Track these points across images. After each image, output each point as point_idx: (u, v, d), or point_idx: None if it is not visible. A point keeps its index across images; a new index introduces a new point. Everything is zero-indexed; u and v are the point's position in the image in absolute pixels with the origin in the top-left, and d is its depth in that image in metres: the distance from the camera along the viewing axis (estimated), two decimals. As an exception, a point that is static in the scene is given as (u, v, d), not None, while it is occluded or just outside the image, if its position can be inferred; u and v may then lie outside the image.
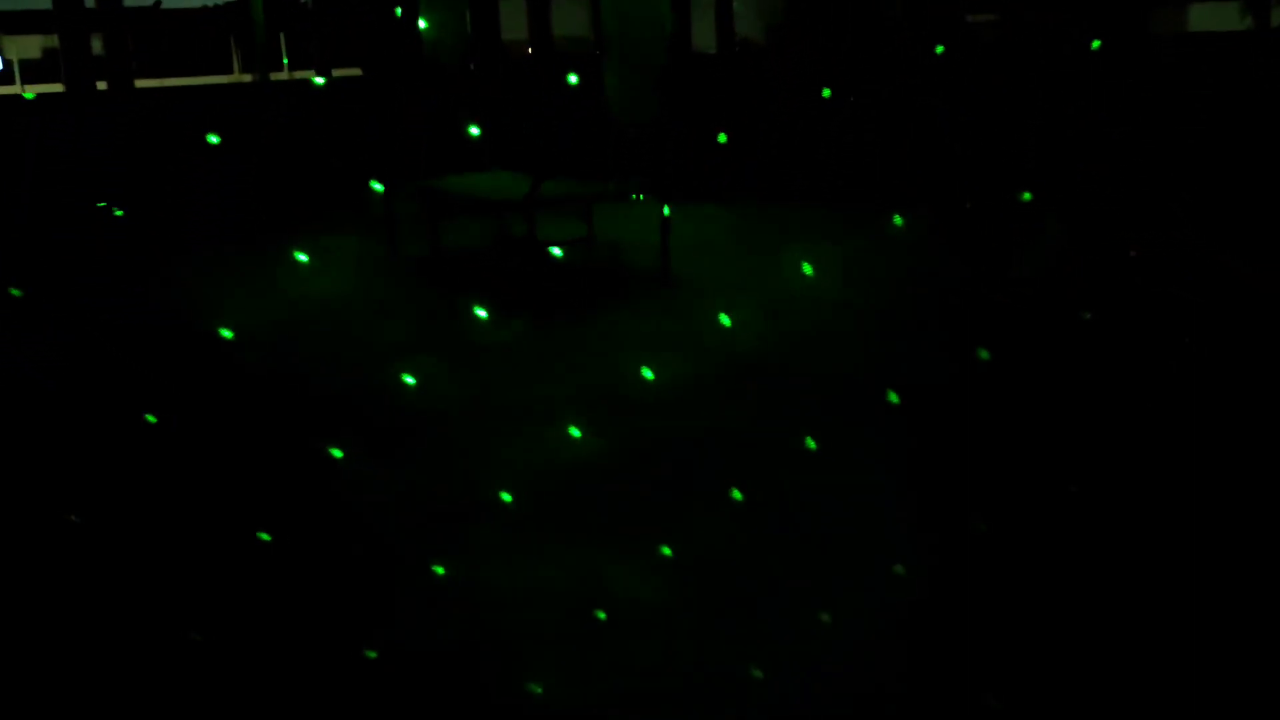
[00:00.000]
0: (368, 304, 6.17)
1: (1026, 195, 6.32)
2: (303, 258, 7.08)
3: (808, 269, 5.52)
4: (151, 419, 4.07)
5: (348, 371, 5.02)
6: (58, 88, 24.04)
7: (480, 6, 17.72)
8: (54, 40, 24.57)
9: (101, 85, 18.27)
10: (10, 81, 34.43)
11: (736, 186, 9.60)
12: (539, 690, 2.50)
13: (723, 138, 8.86)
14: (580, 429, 4.06)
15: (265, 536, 3.19)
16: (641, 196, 6.66)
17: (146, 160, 9.32)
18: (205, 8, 47.23)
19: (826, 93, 9.92)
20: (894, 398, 3.96)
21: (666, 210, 6.24)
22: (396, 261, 7.16)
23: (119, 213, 8.01)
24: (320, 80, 20.33)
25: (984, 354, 4.57)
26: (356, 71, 26.62)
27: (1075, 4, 9.32)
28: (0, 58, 40.99)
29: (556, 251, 6.43)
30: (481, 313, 5.26)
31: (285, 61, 30.48)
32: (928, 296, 5.91)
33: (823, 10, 22.05)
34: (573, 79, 10.37)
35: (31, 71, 34.15)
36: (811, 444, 3.66)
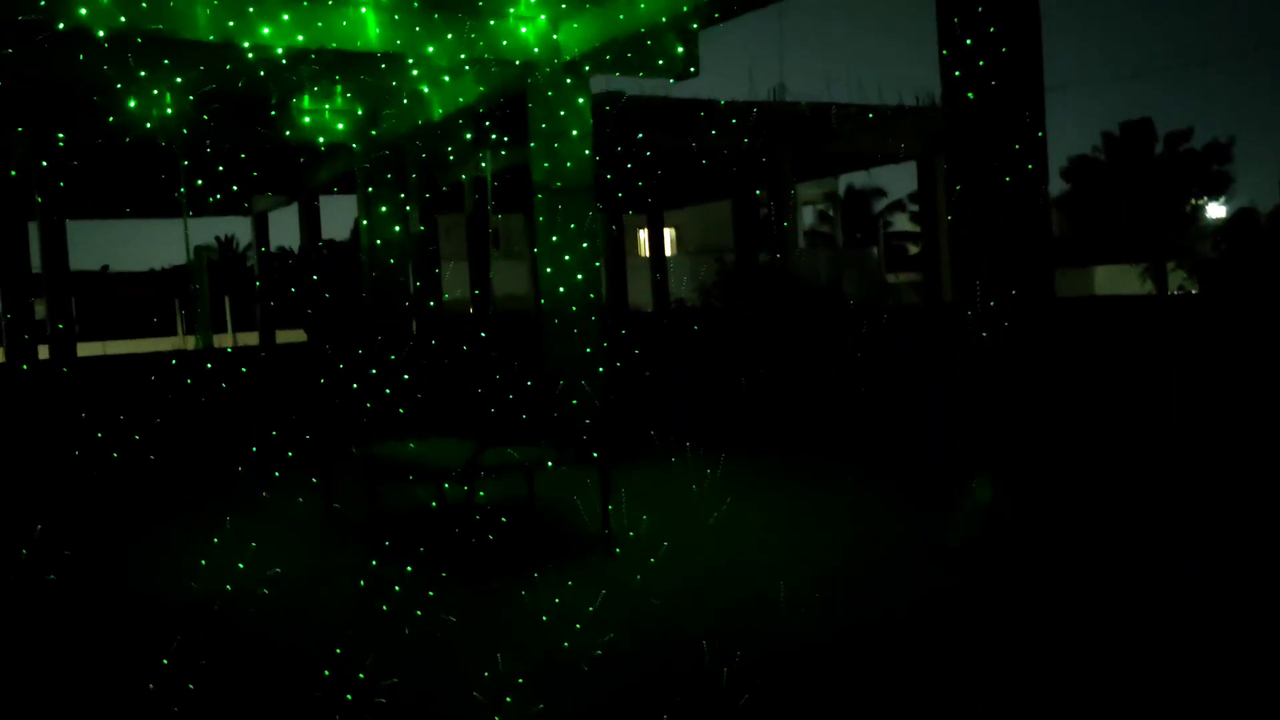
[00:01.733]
0: (303, 572, 6.08)
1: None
2: (239, 524, 7.02)
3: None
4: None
5: (284, 644, 4.90)
6: (-3, 351, 24.05)
7: (422, 270, 18.31)
8: (-3, 305, 24.85)
9: (43, 350, 18.34)
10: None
11: (678, 443, 9.76)
12: None
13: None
14: (517, 705, 3.97)
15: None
16: (575, 464, 6.74)
17: (82, 431, 9.30)
18: (151, 271, 48.21)
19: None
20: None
21: (608, 472, 6.32)
22: (334, 526, 7.11)
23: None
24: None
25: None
26: (300, 334, 27.09)
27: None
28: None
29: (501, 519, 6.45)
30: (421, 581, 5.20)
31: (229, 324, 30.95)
32: (875, 554, 5.97)
33: (752, 278, 22.97)
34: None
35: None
36: None
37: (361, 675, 4.37)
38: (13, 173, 15.63)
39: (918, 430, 8.93)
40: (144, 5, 7.83)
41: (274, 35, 8.35)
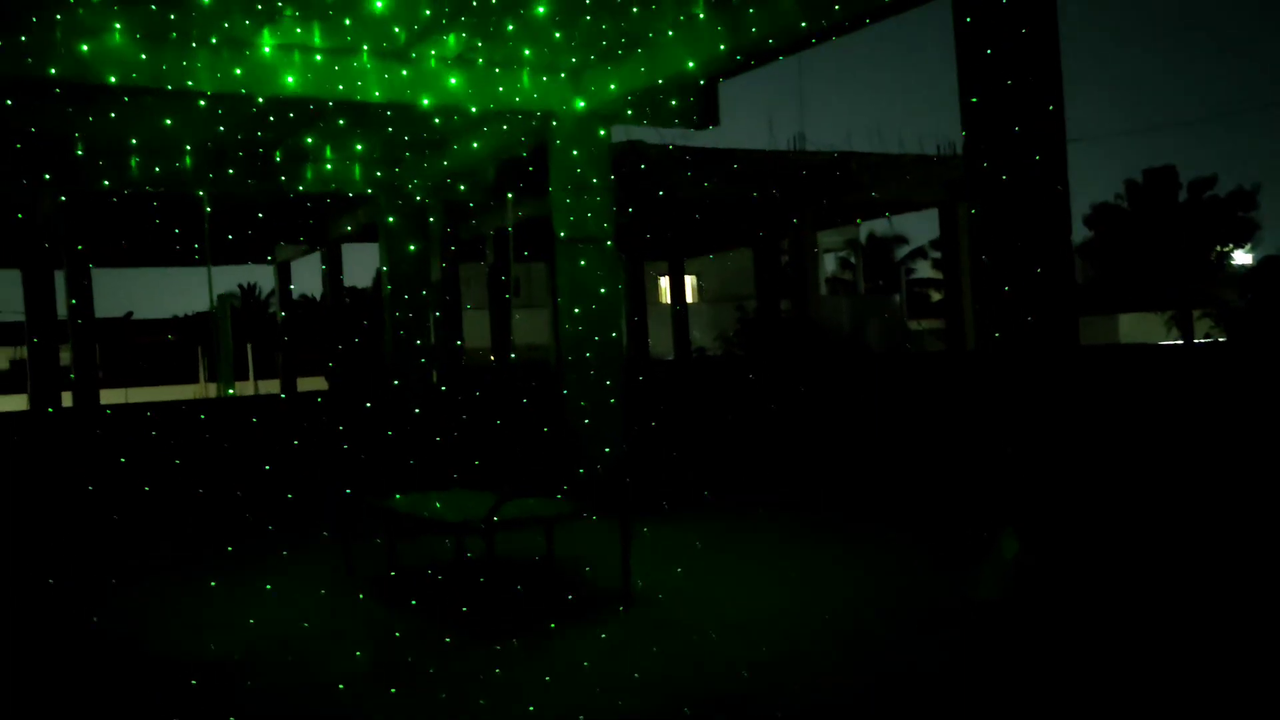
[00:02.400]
0: (322, 629, 6.00)
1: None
2: (260, 581, 6.96)
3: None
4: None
5: (301, 705, 4.82)
6: (22, 400, 24.21)
7: (444, 319, 18.34)
8: (22, 352, 25.03)
9: (67, 397, 18.43)
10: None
11: (701, 495, 9.66)
12: None
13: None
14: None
15: None
16: (595, 517, 6.65)
17: (105, 480, 9.28)
18: (175, 317, 48.56)
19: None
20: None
21: (630, 527, 6.22)
22: (354, 580, 7.04)
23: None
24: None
25: None
26: (321, 382, 27.15)
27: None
28: (-33, 368, 41.47)
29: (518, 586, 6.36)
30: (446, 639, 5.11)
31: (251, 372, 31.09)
32: (899, 610, 5.84)
33: (774, 326, 22.92)
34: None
35: (-2, 382, 34.51)
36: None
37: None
38: (34, 220, 15.79)
39: (943, 480, 8.80)
40: (164, 64, 7.90)
41: (294, 86, 8.40)
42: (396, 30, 8.21)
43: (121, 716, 4.86)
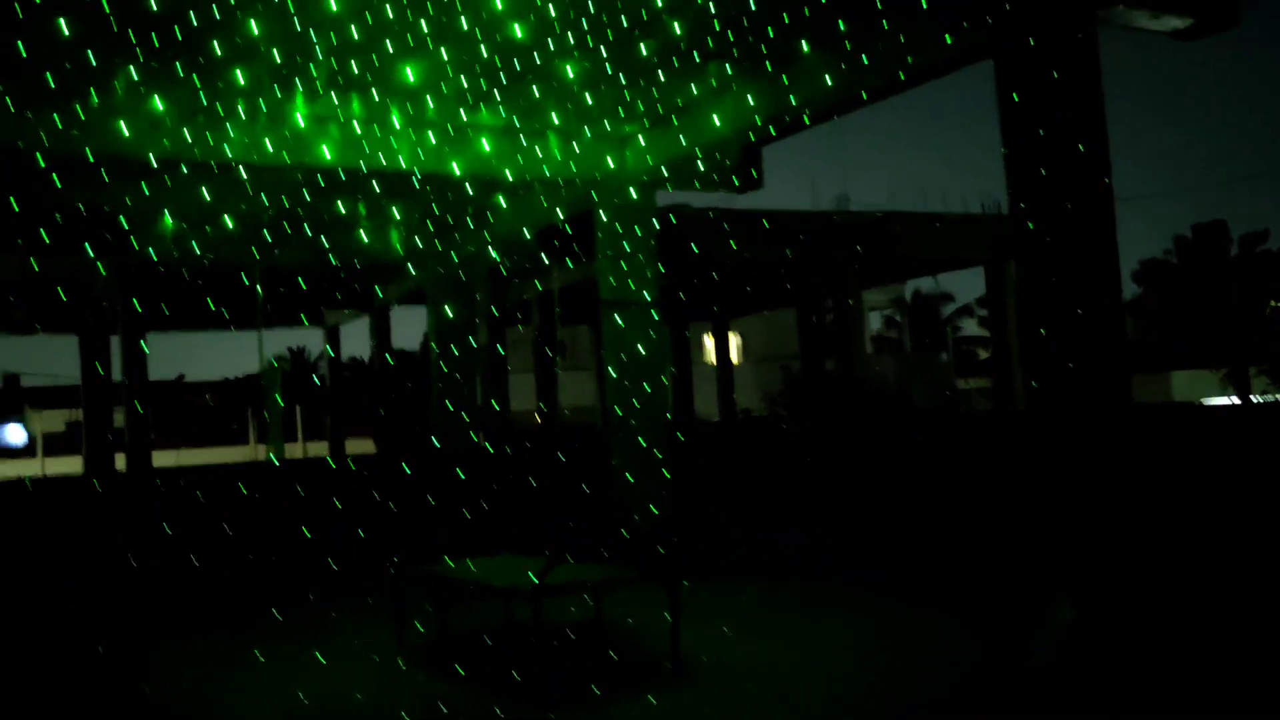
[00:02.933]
0: (371, 703, 5.98)
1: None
2: (308, 650, 6.96)
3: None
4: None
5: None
6: (77, 461, 24.61)
7: (490, 381, 18.45)
8: (77, 414, 25.46)
9: (120, 459, 18.69)
10: (32, 455, 35.26)
11: (750, 559, 9.57)
12: None
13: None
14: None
15: None
16: (641, 580, 6.60)
17: (156, 544, 9.38)
18: (225, 380, 49.28)
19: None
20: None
21: (678, 592, 6.17)
22: (403, 649, 7.02)
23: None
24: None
25: None
26: (368, 444, 27.34)
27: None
28: (26, 432, 42.22)
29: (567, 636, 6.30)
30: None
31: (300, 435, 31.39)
32: (957, 679, 5.73)
33: (819, 386, 22.81)
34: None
35: (53, 445, 35.07)
36: None
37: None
38: (88, 289, 16.19)
39: (996, 543, 8.66)
40: (203, 138, 8.12)
41: (336, 158, 8.59)
42: (429, 100, 8.37)
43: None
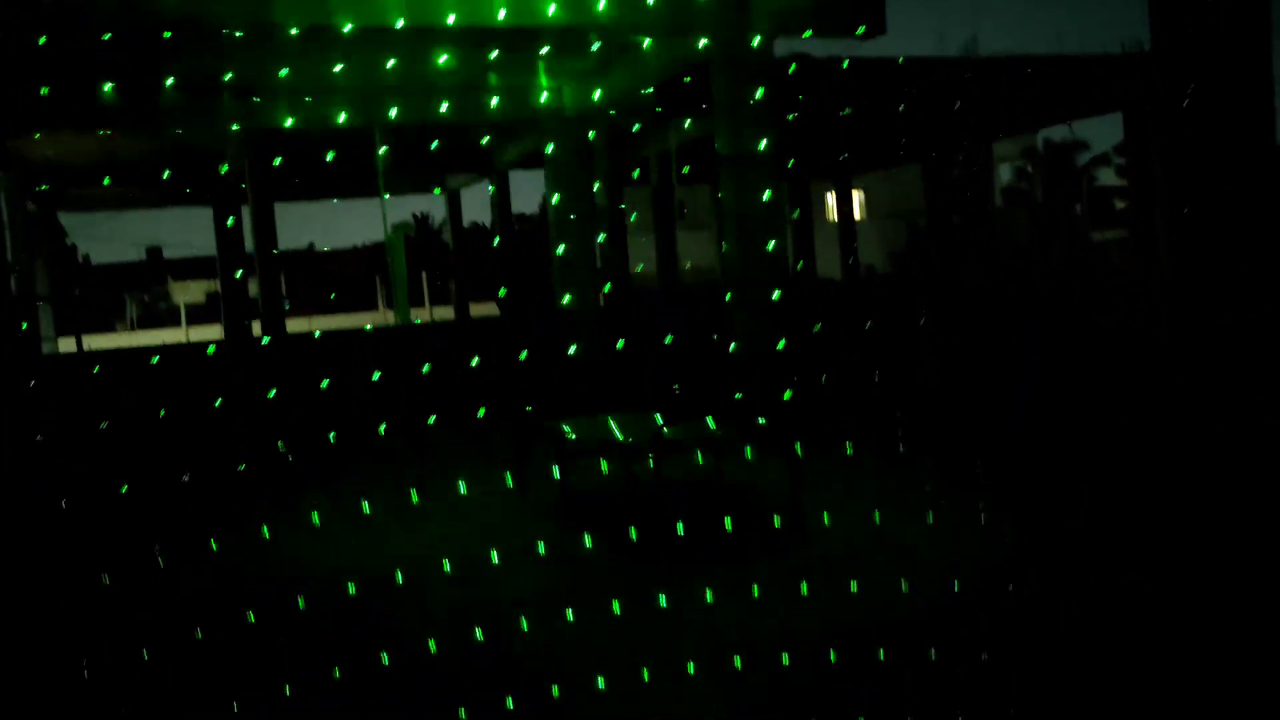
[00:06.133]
0: (497, 551, 6.18)
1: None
2: (440, 499, 7.20)
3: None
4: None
5: (484, 628, 4.98)
6: (217, 329, 25.60)
7: (610, 243, 18.42)
8: (215, 285, 26.40)
9: (256, 327, 19.39)
10: (176, 324, 36.88)
11: (871, 425, 9.49)
12: None
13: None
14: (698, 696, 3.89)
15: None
16: (760, 441, 6.60)
17: (299, 401, 9.78)
18: (354, 248, 50.40)
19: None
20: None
21: (798, 450, 6.16)
22: (527, 503, 7.20)
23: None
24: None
25: None
26: (492, 308, 27.79)
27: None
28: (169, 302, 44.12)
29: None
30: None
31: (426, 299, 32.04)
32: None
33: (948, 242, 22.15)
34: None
35: (194, 315, 36.57)
36: None
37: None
38: (224, 167, 16.57)
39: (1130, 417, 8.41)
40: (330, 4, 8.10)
41: (460, 17, 8.47)
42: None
43: (315, 624, 5.12)
